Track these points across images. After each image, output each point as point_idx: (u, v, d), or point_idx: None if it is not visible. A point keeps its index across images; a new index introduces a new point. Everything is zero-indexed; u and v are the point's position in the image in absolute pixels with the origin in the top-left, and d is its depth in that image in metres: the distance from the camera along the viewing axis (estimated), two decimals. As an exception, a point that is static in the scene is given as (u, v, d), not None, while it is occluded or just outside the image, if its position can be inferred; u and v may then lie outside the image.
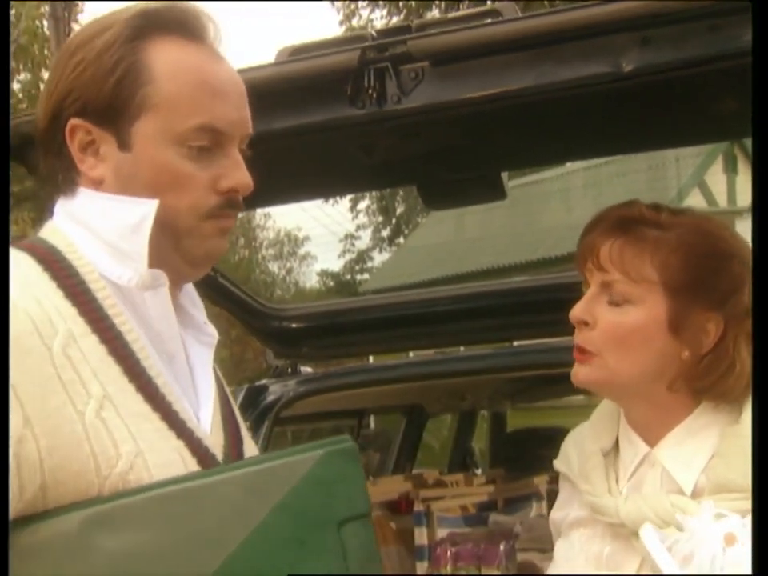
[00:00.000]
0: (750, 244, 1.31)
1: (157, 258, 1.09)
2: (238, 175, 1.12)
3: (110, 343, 1.04)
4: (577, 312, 1.32)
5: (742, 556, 1.13)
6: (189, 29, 1.12)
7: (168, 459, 1.03)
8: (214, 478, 1.00)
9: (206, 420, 1.12)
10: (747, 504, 1.20)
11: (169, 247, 1.11)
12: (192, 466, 1.05)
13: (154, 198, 1.08)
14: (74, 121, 1.09)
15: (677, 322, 1.27)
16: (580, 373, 1.33)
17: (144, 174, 1.09)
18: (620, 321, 1.29)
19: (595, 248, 1.31)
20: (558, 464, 1.46)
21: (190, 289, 1.20)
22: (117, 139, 1.09)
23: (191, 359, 1.15)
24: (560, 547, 1.44)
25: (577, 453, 1.42)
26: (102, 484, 0.98)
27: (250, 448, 1.22)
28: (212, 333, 1.20)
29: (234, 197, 1.12)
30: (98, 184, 1.11)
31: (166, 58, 1.09)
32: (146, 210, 1.07)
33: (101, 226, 1.09)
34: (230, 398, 1.25)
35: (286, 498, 0.99)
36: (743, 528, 1.14)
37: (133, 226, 1.07)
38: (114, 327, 1.05)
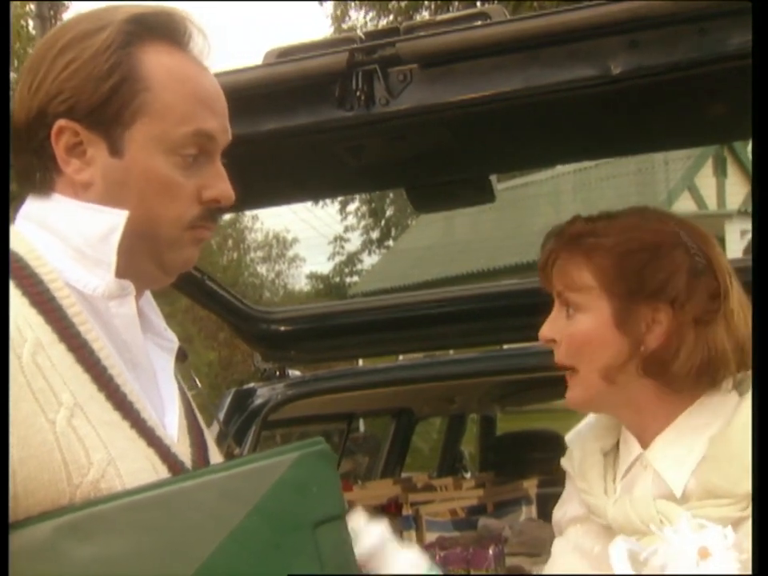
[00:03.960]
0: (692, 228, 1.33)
1: (130, 266, 1.09)
2: (222, 186, 1.12)
3: (78, 351, 1.03)
4: (544, 332, 1.38)
5: (716, 570, 1.12)
6: (178, 37, 1.12)
7: (139, 467, 1.02)
8: (187, 483, 1.00)
9: (171, 427, 1.12)
10: (733, 511, 1.20)
11: (145, 255, 1.10)
12: (163, 473, 1.05)
13: (142, 205, 1.08)
14: (62, 122, 1.07)
15: (622, 320, 1.31)
16: (569, 395, 1.38)
17: (135, 181, 1.08)
18: (575, 331, 1.34)
19: (546, 266, 1.38)
20: (564, 462, 1.47)
21: (147, 294, 1.19)
22: (108, 144, 1.08)
23: (153, 366, 1.14)
24: (557, 544, 1.45)
25: (579, 450, 1.43)
26: (73, 493, 0.96)
27: (214, 453, 1.22)
28: (172, 338, 1.20)
29: (214, 208, 1.13)
30: (84, 187, 1.09)
31: (159, 66, 1.09)
32: (116, 220, 1.07)
33: (69, 232, 1.08)
34: (192, 403, 1.25)
35: (260, 501, 0.98)
36: (723, 539, 1.13)
37: (102, 236, 1.07)
38: (81, 336, 1.04)
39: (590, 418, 1.46)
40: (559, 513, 1.47)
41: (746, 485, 1.20)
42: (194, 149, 1.10)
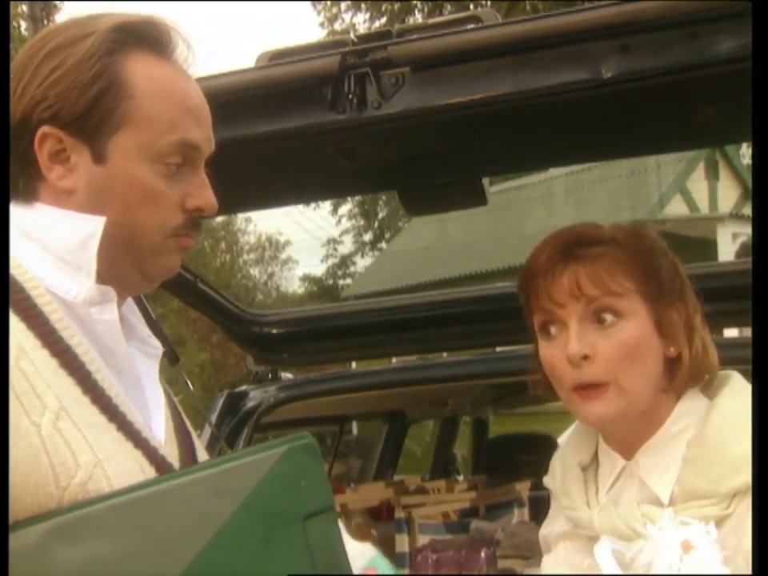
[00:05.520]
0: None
1: (112, 272, 1.09)
2: (205, 195, 1.13)
3: (61, 356, 1.03)
4: (576, 348, 1.26)
5: (699, 562, 1.14)
6: (163, 46, 1.13)
7: (127, 468, 1.02)
8: (175, 481, 1.00)
9: (158, 430, 1.12)
10: (715, 510, 1.22)
11: (127, 262, 1.11)
12: (150, 474, 1.05)
13: (125, 213, 1.08)
14: (45, 128, 1.08)
15: (660, 323, 1.29)
16: (598, 410, 1.27)
17: (118, 188, 1.08)
18: (621, 340, 1.27)
19: (568, 279, 1.28)
20: (546, 481, 1.46)
21: (130, 301, 1.20)
22: (91, 151, 1.08)
23: (138, 371, 1.14)
24: (546, 561, 1.45)
25: (559, 468, 1.42)
26: (61, 495, 0.96)
27: (203, 456, 1.22)
28: (156, 345, 1.20)
29: (197, 216, 1.13)
30: (67, 194, 1.09)
31: (144, 75, 1.10)
32: (93, 226, 1.07)
33: (49, 240, 1.09)
34: (179, 407, 1.26)
35: (249, 496, 0.99)
36: (706, 535, 1.15)
37: (80, 242, 1.07)
38: (63, 341, 1.04)
39: (567, 432, 1.45)
40: (546, 530, 1.46)
41: (726, 484, 1.21)
42: (178, 158, 1.10)
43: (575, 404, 1.30)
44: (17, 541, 0.93)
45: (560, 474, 1.41)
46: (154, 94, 1.09)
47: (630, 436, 1.32)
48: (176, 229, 1.11)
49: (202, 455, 1.22)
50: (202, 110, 1.14)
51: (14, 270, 1.06)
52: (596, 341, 1.27)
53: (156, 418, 1.13)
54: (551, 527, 1.44)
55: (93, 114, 1.07)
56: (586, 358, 1.27)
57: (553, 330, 1.31)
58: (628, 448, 1.33)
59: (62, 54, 1.08)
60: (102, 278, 1.08)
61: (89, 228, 1.07)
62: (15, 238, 1.09)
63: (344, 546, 1.07)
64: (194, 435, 1.24)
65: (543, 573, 1.44)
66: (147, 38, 1.11)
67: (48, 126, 1.07)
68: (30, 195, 1.11)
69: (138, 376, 1.13)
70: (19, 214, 1.11)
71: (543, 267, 1.31)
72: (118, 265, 1.10)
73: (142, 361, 1.16)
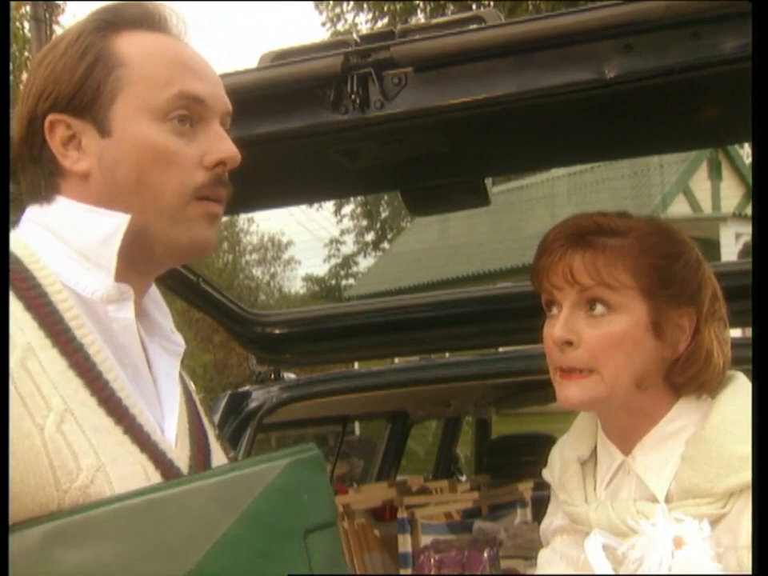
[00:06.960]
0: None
1: (134, 252, 1.07)
2: (224, 147, 1.10)
3: (71, 356, 1.01)
4: (559, 332, 1.28)
5: (690, 558, 1.14)
6: (152, 22, 1.12)
7: (131, 472, 1.01)
8: (177, 489, 0.98)
9: (170, 432, 1.10)
10: (711, 509, 1.22)
11: (150, 237, 1.08)
12: (155, 479, 1.03)
13: (141, 180, 1.06)
14: (51, 117, 1.08)
15: (658, 323, 1.29)
16: (572, 394, 1.29)
17: (128, 155, 1.07)
18: (607, 332, 1.27)
19: (564, 264, 1.29)
20: (545, 474, 1.47)
21: (156, 296, 1.18)
22: (96, 126, 1.08)
23: (155, 369, 1.13)
24: (542, 554, 1.46)
25: (558, 461, 1.43)
26: (61, 498, 0.95)
27: (219, 458, 1.19)
28: (179, 342, 1.18)
29: (221, 173, 1.10)
30: (84, 178, 1.08)
31: (133, 43, 1.09)
32: (117, 222, 1.06)
33: (70, 235, 1.08)
34: (199, 406, 1.23)
35: (250, 507, 0.97)
36: (699, 532, 1.16)
37: (102, 239, 1.06)
38: (76, 340, 1.03)
39: (570, 430, 1.45)
40: (545, 524, 1.47)
41: (723, 483, 1.22)
42: (182, 111, 1.08)
43: (555, 385, 1.32)
44: (17, 541, 0.93)
45: (559, 468, 1.41)
46: (145, 55, 1.08)
47: (626, 430, 1.33)
48: (199, 189, 1.08)
49: (218, 457, 1.19)
50: (203, 67, 1.12)
51: (31, 264, 1.05)
52: (583, 329, 1.28)
53: (169, 418, 1.11)
54: (550, 520, 1.45)
55: (87, 89, 1.07)
56: (570, 343, 1.28)
57: (553, 309, 1.33)
58: (626, 443, 1.33)
59: (53, 51, 1.10)
60: (128, 260, 1.07)
61: (112, 225, 1.06)
62: (36, 231, 1.09)
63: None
64: (211, 435, 1.21)
65: (539, 566, 1.45)
66: (135, 16, 1.11)
67: (52, 114, 1.08)
68: (52, 193, 1.10)
69: (154, 374, 1.12)
70: (39, 210, 1.10)
71: (548, 248, 1.33)
72: (141, 239, 1.07)
73: (164, 359, 1.14)
